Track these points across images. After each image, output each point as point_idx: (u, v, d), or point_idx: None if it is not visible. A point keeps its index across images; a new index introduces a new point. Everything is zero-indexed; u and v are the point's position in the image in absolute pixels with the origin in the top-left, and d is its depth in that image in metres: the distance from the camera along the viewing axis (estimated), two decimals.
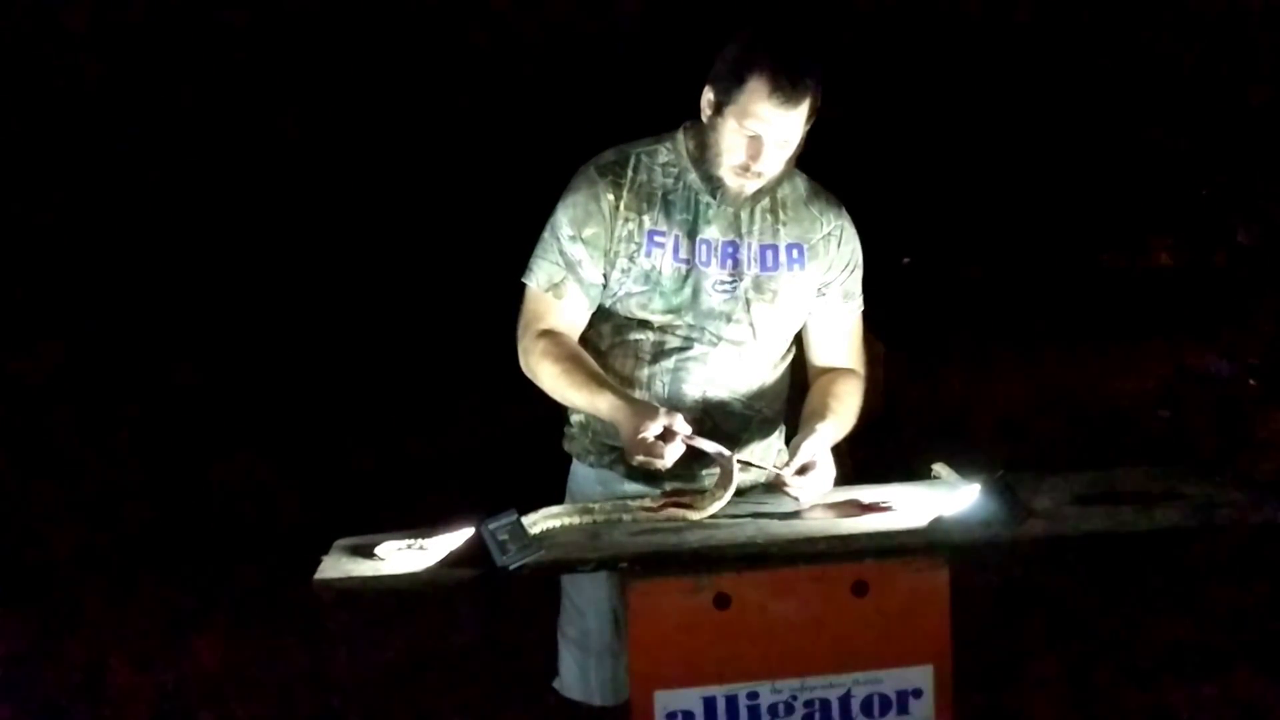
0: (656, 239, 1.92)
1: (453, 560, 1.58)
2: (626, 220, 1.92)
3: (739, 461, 1.81)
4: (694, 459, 1.86)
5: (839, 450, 1.93)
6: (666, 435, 1.76)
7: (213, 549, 4.68)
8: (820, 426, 1.88)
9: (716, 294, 1.93)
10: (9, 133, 8.33)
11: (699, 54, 1.96)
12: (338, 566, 1.61)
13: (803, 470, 1.82)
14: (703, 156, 1.90)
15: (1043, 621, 3.68)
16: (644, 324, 1.94)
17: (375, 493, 5.31)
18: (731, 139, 1.84)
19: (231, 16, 8.42)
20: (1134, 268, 11.94)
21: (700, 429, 1.92)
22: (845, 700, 1.61)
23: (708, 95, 1.87)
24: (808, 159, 1.98)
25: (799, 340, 2.08)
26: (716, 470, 1.83)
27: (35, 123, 8.44)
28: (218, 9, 8.40)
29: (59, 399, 7.46)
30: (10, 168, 8.34)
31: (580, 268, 1.93)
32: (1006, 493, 1.68)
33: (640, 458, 1.78)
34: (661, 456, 1.76)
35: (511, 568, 1.54)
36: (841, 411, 1.97)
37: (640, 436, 1.76)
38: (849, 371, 2.06)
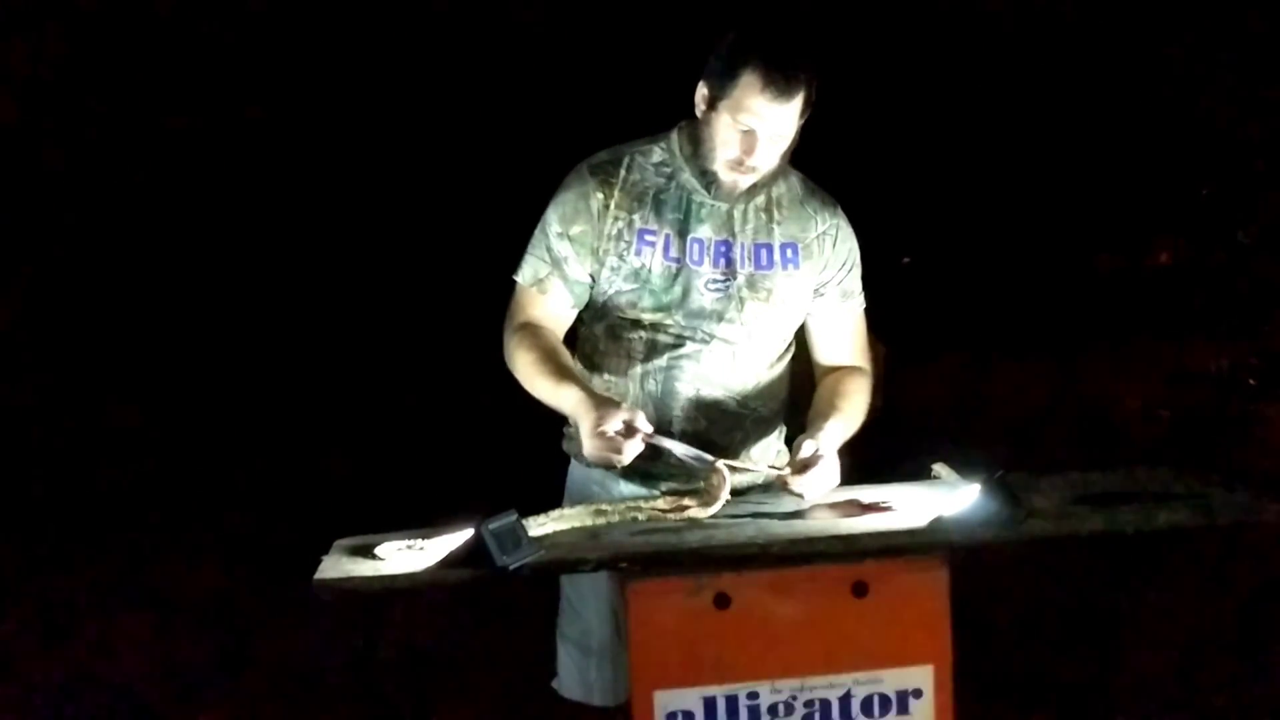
0: (647, 238, 1.92)
1: (453, 560, 1.57)
2: (616, 219, 1.93)
3: (728, 465, 1.80)
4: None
5: (838, 450, 1.93)
6: (628, 431, 1.76)
7: (212, 548, 4.68)
8: (824, 424, 1.88)
9: (708, 293, 1.93)
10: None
11: (692, 54, 1.96)
12: (338, 566, 1.61)
13: (805, 468, 1.81)
14: (697, 153, 1.91)
15: (1043, 622, 3.68)
16: (636, 323, 1.95)
17: (375, 493, 5.30)
18: (725, 134, 1.85)
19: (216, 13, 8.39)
20: (1134, 268, 11.92)
21: (694, 427, 1.92)
22: (845, 700, 1.61)
23: (701, 90, 1.88)
24: (807, 157, 1.98)
25: (804, 342, 2.07)
26: (713, 469, 1.82)
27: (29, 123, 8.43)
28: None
29: (59, 398, 7.46)
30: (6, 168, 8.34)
31: (566, 264, 1.94)
32: (1006, 493, 1.67)
33: (598, 454, 1.77)
34: (620, 452, 1.75)
35: (511, 568, 1.54)
36: (847, 409, 1.96)
37: (600, 430, 1.75)
38: (856, 369, 2.05)
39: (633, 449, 1.77)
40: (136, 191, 9.00)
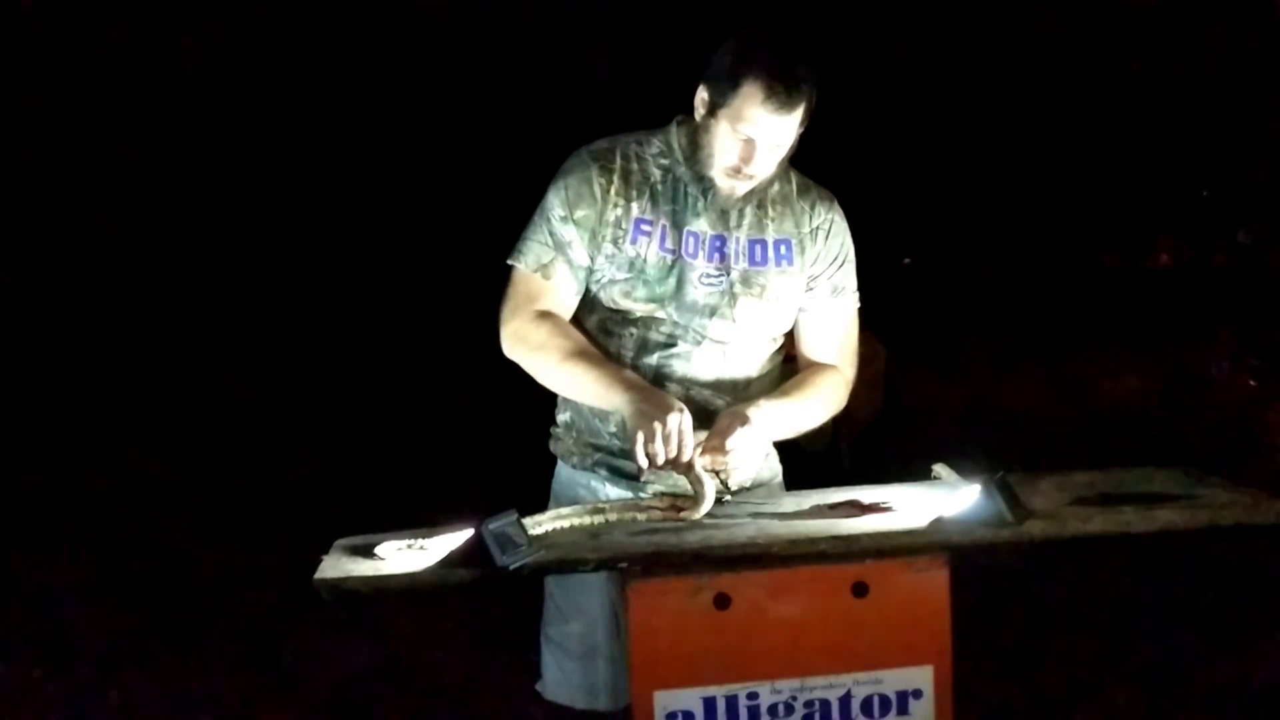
0: (643, 227, 1.91)
1: (453, 560, 1.57)
2: (615, 205, 1.91)
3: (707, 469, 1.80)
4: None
5: (835, 451, 1.92)
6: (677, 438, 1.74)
7: (212, 548, 4.68)
8: (766, 402, 1.86)
9: (702, 287, 1.91)
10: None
11: (685, 50, 1.94)
12: (338, 566, 1.61)
13: (720, 436, 1.79)
14: (695, 156, 1.89)
15: (1043, 622, 3.68)
16: (627, 318, 1.93)
17: (374, 493, 5.30)
18: (725, 141, 1.83)
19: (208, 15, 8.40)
20: (1134, 268, 11.93)
21: None
22: (845, 701, 1.61)
23: (701, 95, 1.86)
24: (807, 157, 1.97)
25: (792, 338, 2.05)
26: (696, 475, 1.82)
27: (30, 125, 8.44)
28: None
29: (59, 402, 7.46)
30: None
31: (570, 249, 1.92)
32: (1006, 493, 1.67)
33: (650, 459, 1.75)
34: (669, 467, 1.75)
35: (511, 568, 1.54)
36: (800, 398, 1.94)
37: (663, 434, 1.73)
38: (832, 369, 2.03)
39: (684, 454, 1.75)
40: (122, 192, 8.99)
